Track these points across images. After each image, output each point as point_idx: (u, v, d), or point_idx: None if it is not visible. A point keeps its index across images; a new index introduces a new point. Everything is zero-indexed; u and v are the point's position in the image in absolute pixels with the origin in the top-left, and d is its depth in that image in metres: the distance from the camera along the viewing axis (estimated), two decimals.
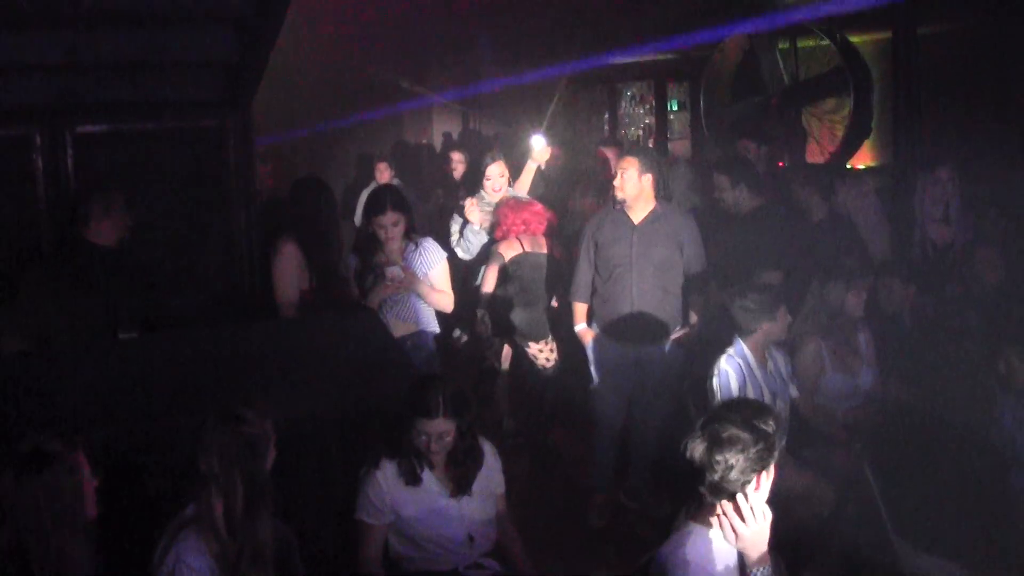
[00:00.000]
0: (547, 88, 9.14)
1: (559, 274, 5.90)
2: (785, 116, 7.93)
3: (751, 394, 4.25)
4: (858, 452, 4.42)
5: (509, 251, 5.86)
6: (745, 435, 2.49)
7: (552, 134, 6.88)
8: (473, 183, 6.59)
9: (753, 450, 2.48)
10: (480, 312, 5.80)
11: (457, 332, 5.89)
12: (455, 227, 6.39)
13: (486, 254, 6.12)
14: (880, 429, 4.51)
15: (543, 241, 5.92)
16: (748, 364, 4.36)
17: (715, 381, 4.29)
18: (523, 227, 5.82)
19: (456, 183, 7.71)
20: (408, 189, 7.59)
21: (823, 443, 4.65)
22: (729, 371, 4.27)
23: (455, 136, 11.09)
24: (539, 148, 6.69)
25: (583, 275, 5.31)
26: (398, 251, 4.82)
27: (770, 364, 4.49)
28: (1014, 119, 6.41)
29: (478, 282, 6.14)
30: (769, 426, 2.53)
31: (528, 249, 5.83)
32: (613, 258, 5.11)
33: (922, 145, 6.88)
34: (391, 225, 4.72)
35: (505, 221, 5.86)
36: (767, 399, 4.42)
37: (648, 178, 5.10)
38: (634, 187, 5.07)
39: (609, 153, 6.88)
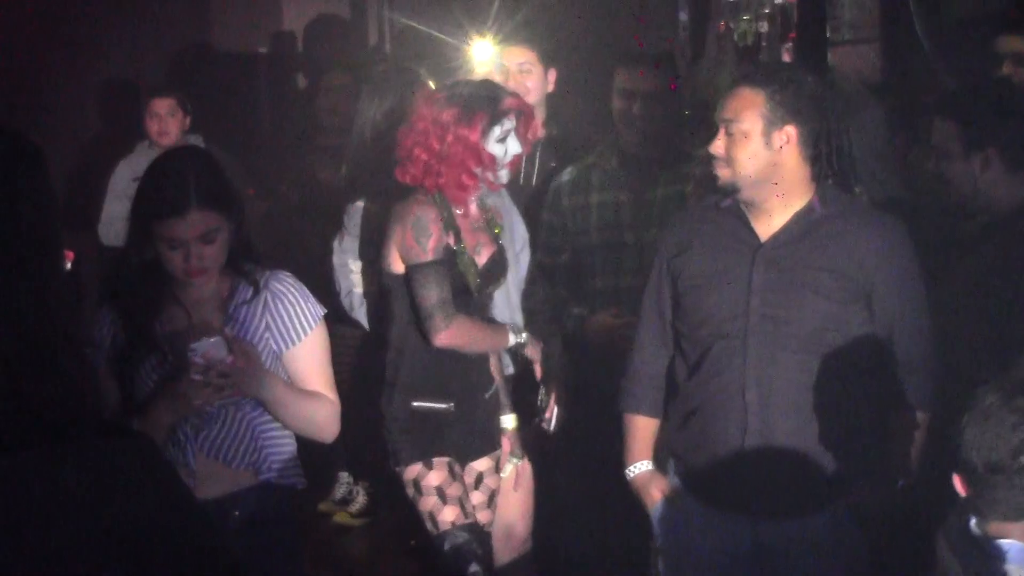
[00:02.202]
0: None
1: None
2: None
3: None
4: None
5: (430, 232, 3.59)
6: None
7: (525, 39, 4.55)
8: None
9: None
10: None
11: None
12: (343, 258, 4.16)
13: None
14: None
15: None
16: None
17: None
18: (458, 170, 3.59)
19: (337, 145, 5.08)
20: (231, 161, 5.29)
21: None
22: None
23: (333, 35, 7.39)
24: (488, 71, 4.37)
25: (647, 349, 3.41)
26: (213, 302, 3.12)
27: None
28: None
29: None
30: None
31: (476, 238, 3.70)
32: (709, 318, 3.27)
33: None
34: (196, 240, 3.03)
35: (411, 139, 3.59)
36: None
37: (790, 135, 3.14)
38: (758, 159, 3.14)
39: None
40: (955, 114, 3.51)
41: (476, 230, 3.69)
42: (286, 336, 3.10)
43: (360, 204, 4.11)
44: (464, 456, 3.68)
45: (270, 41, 7.73)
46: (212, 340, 2.94)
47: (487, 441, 3.79)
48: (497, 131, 3.56)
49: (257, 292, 3.08)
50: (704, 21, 6.36)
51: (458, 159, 3.53)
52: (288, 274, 3.17)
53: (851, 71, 5.39)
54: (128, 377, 3.12)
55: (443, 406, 3.62)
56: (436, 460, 3.59)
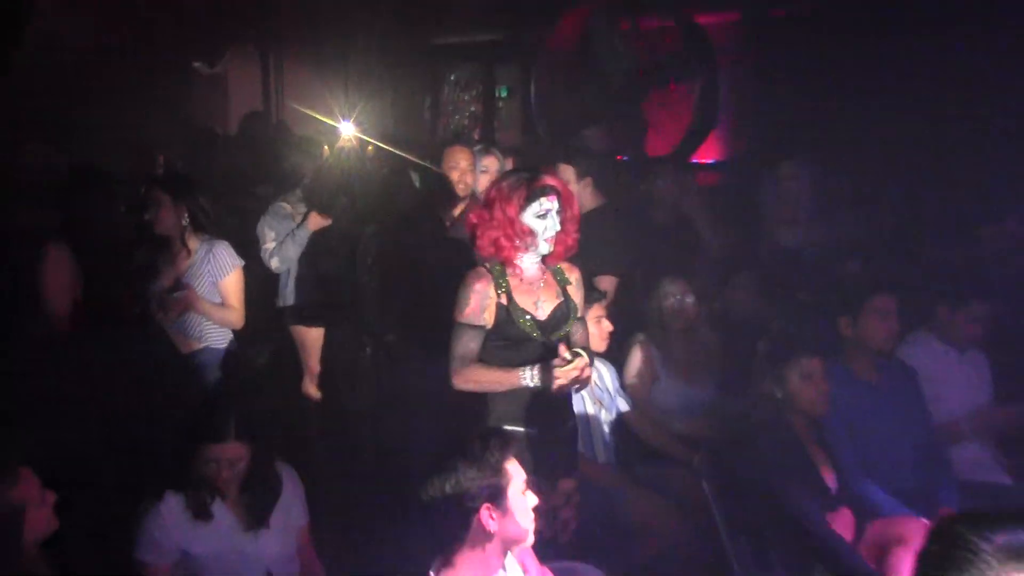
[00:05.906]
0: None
1: None
2: (625, 103, 8.16)
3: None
4: (696, 467, 4.56)
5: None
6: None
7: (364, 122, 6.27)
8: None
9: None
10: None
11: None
12: (269, 232, 5.64)
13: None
14: (720, 444, 4.54)
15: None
16: None
17: None
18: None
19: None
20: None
21: (659, 459, 4.76)
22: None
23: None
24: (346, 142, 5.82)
25: None
26: (184, 259, 4.96)
27: (592, 376, 4.26)
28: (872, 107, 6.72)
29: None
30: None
31: (537, 295, 4.02)
32: None
33: (773, 137, 7.21)
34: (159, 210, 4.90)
35: (475, 211, 4.06)
36: (591, 410, 4.61)
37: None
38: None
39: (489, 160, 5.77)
40: (574, 160, 5.61)
41: (535, 288, 3.92)
42: (217, 273, 5.00)
43: (281, 204, 5.70)
44: (545, 476, 3.77)
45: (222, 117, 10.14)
46: (180, 292, 4.91)
47: (568, 465, 4.00)
48: (536, 207, 3.83)
49: (207, 252, 4.94)
50: (437, 117, 9.84)
51: (497, 227, 3.85)
52: (225, 243, 5.02)
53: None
54: (139, 288, 4.86)
55: (524, 430, 3.85)
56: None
